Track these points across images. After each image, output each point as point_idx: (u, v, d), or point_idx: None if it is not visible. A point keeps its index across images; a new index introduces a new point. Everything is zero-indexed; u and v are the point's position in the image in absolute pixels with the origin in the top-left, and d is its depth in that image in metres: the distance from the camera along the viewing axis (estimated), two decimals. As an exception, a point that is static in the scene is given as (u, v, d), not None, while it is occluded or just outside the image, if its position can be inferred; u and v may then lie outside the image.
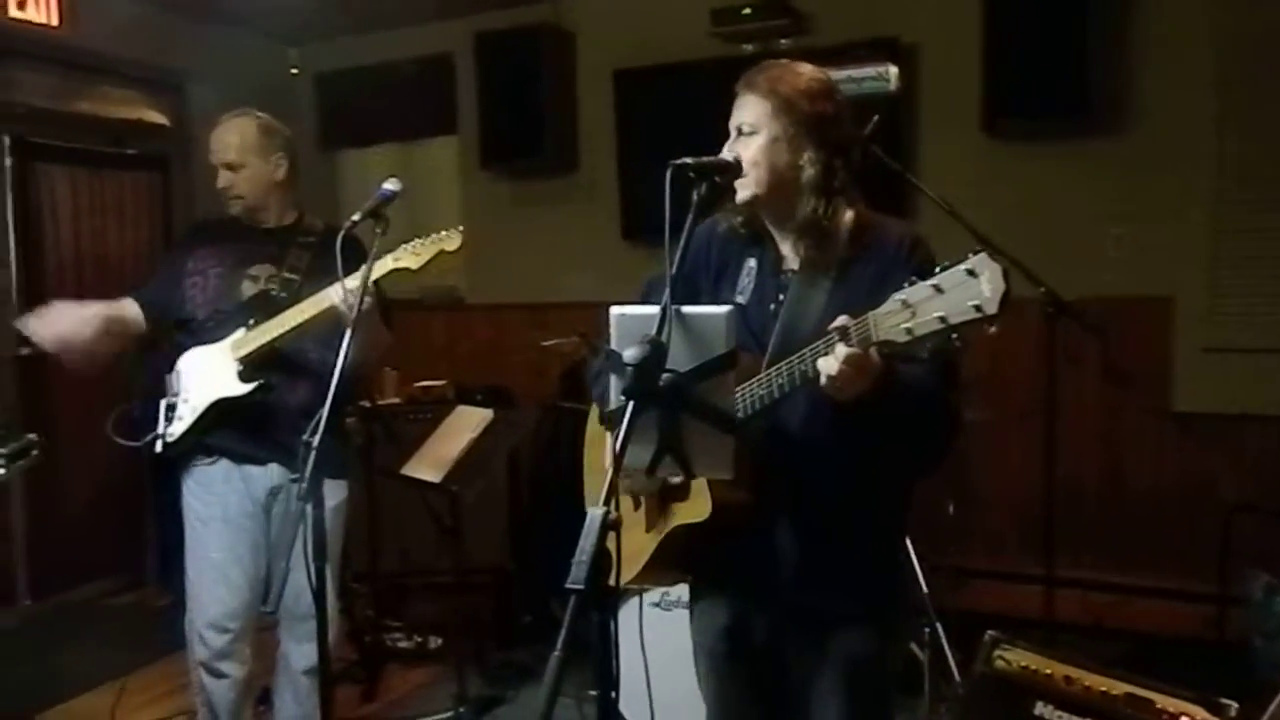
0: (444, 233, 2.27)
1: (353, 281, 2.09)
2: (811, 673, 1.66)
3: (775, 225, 1.68)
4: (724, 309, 1.48)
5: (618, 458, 1.32)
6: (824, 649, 1.65)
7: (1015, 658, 2.30)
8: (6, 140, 4.23)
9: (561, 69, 4.61)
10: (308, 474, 1.82)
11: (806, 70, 1.65)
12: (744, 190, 1.63)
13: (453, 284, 4.92)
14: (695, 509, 1.62)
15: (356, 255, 2.13)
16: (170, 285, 2.58)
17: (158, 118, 4.77)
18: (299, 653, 2.56)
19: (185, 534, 2.56)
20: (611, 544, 1.26)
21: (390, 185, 2.07)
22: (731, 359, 1.44)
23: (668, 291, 1.46)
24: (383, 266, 2.24)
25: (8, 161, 4.25)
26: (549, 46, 4.55)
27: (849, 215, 1.64)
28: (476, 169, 4.80)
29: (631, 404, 1.35)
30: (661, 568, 1.69)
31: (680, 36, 4.28)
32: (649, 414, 1.40)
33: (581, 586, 1.21)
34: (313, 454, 1.83)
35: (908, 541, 2.67)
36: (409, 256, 2.26)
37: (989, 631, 2.47)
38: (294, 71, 5.10)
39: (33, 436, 2.44)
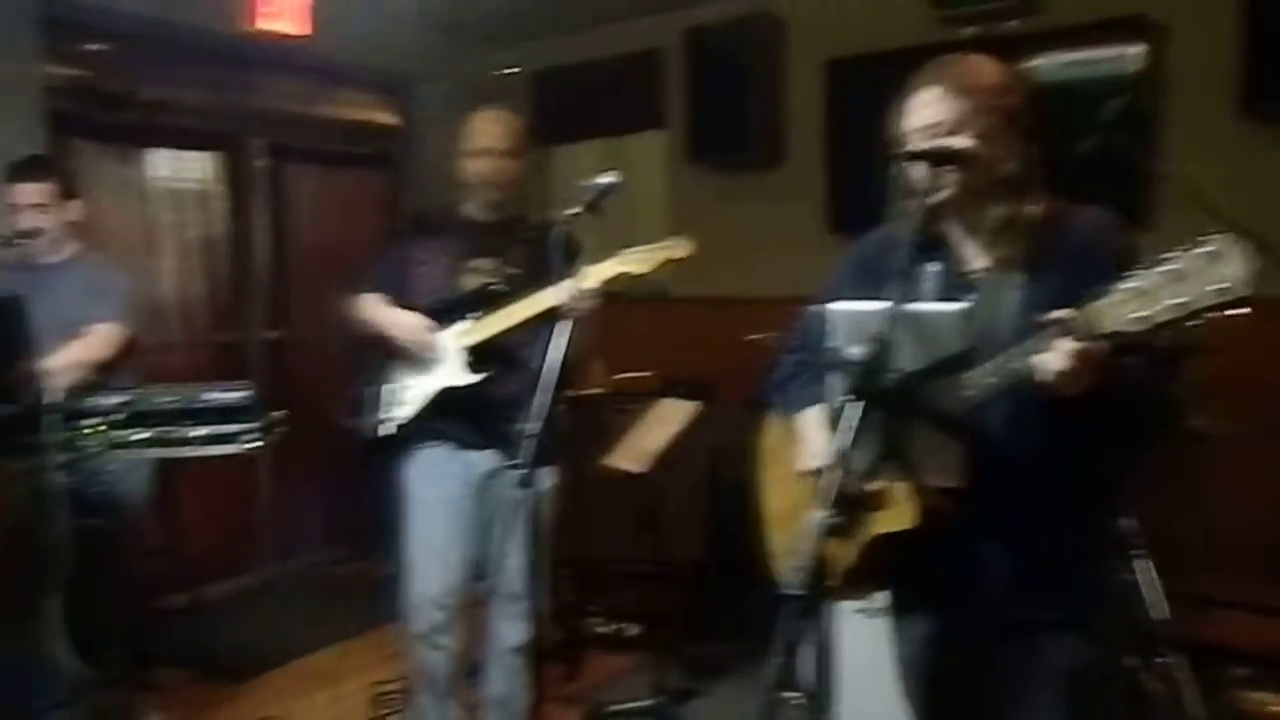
0: (672, 240, 2.27)
1: (576, 281, 2.12)
2: (1025, 687, 1.59)
3: (962, 225, 1.61)
4: (960, 305, 1.40)
5: (843, 461, 1.27)
6: (1036, 662, 1.58)
7: (1268, 700, 2.07)
8: (261, 142, 4.62)
9: (772, 59, 4.54)
10: (527, 461, 1.88)
11: (990, 62, 1.60)
12: (939, 192, 1.54)
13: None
14: (899, 517, 1.55)
15: (573, 251, 2.16)
16: (398, 272, 2.68)
17: (389, 119, 5.08)
18: (509, 631, 2.63)
19: (406, 513, 2.68)
20: (825, 551, 1.22)
21: (607, 177, 2.10)
22: (967, 359, 1.37)
23: (896, 287, 1.40)
24: (608, 270, 2.27)
25: (264, 163, 4.64)
26: (760, 37, 4.49)
27: (1038, 208, 1.57)
28: (683, 162, 4.80)
29: (857, 405, 1.30)
30: (859, 579, 1.64)
31: (897, 21, 4.11)
32: (872, 416, 1.35)
33: (801, 592, 1.17)
34: (532, 442, 1.88)
35: (1149, 564, 2.47)
36: (635, 261, 2.28)
37: (1237, 669, 2.24)
38: (511, 71, 5.28)
39: (279, 413, 2.66)
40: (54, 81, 3.70)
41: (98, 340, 2.85)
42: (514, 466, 1.94)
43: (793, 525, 1.75)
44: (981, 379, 1.45)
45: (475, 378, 2.52)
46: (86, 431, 2.36)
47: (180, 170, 4.39)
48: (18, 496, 2.66)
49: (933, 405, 1.40)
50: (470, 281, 2.60)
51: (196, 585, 3.68)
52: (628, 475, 3.12)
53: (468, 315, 2.55)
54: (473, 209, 2.67)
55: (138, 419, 2.39)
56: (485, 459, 2.62)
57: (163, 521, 3.37)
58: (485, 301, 2.54)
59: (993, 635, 1.59)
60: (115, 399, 2.42)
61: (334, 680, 3.34)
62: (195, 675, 3.53)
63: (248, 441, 2.41)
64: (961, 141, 1.54)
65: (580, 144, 5.35)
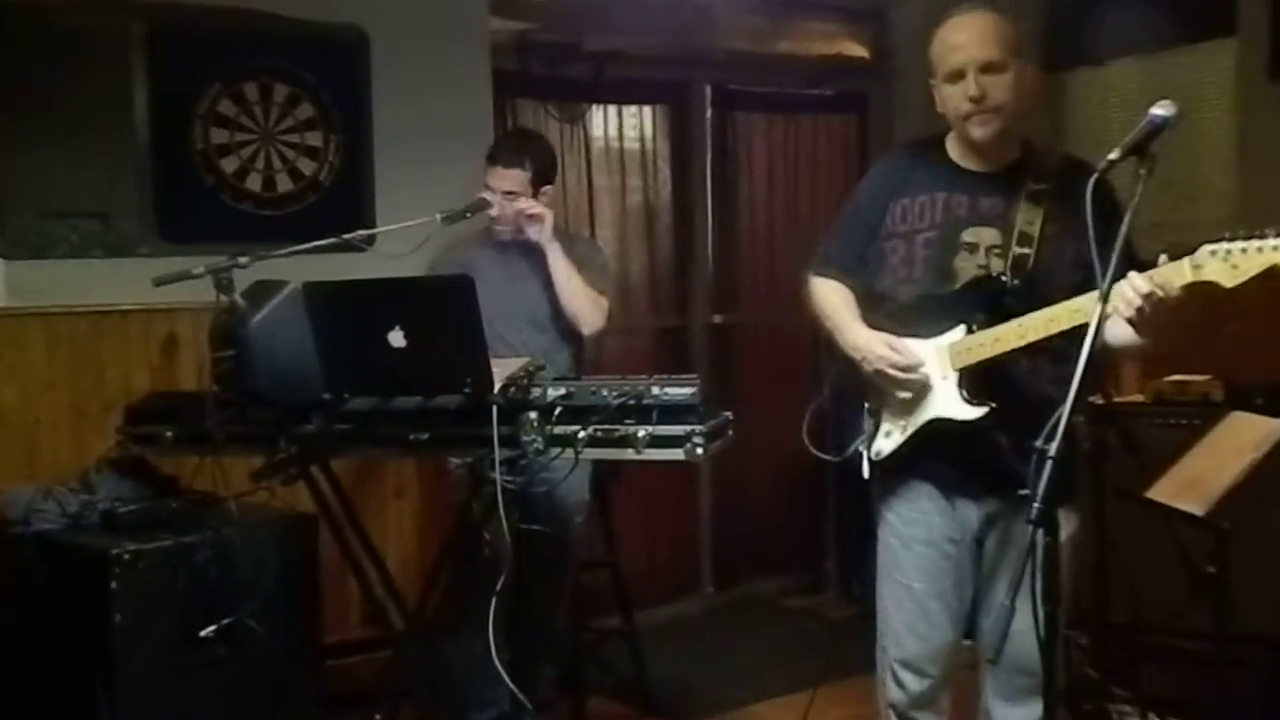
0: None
1: (1127, 287, 2.00)
2: None
3: None
4: None
5: None
6: None
7: None
8: (708, 89, 4.90)
9: None
10: (1043, 494, 1.77)
11: None
12: None
13: (1224, 239, 4.49)
14: None
15: (1108, 212, 1.98)
16: (859, 242, 2.60)
17: (857, 50, 5.14)
18: (1012, 715, 2.54)
19: (879, 550, 2.65)
20: None
21: (1161, 110, 1.91)
22: None
23: None
24: (1176, 275, 2.06)
25: (708, 113, 4.92)
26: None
27: None
28: (1263, 81, 4.31)
29: None
30: None
31: None
32: None
33: None
34: (1050, 468, 1.76)
35: None
36: (1220, 266, 2.00)
37: None
38: (1014, -25, 5.08)
39: (728, 414, 2.67)
40: (497, 37, 4.20)
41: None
42: (1024, 499, 1.81)
43: None
44: None
45: (974, 413, 2.40)
46: (527, 426, 2.53)
47: (621, 127, 4.80)
48: (462, 492, 3.08)
49: None
50: (965, 266, 2.46)
51: (630, 607, 3.97)
52: (1179, 516, 2.86)
53: (964, 319, 2.42)
54: (960, 155, 2.51)
55: (577, 414, 2.52)
56: (983, 497, 2.53)
57: (597, 533, 3.70)
58: (988, 303, 2.40)
59: None
60: (555, 391, 2.60)
61: (786, 738, 3.44)
62: (630, 711, 3.85)
63: (694, 447, 2.44)
64: None
65: (1109, 65, 5.01)
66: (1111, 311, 2.03)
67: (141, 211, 3.56)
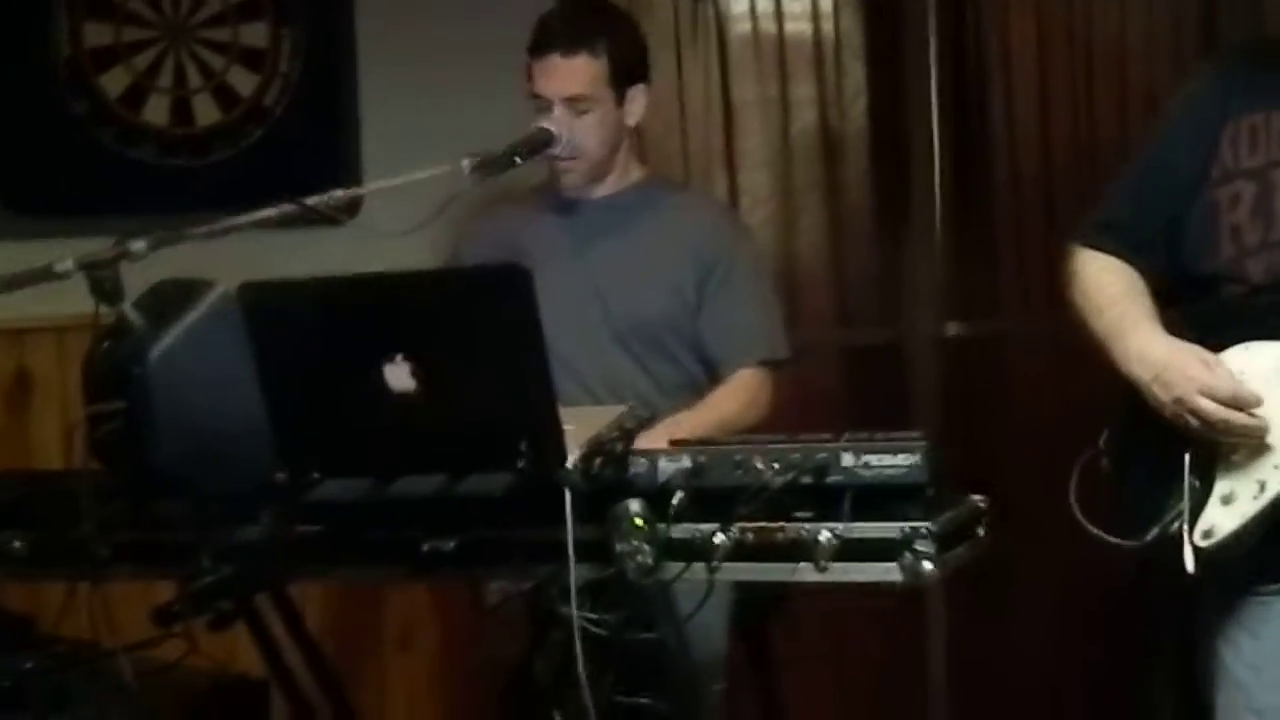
0: None
1: None
2: None
3: None
4: None
5: None
6: None
7: None
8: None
9: None
10: None
11: None
12: None
13: None
14: None
15: None
16: (1162, 201, 2.78)
17: None
18: None
19: (1218, 715, 2.81)
20: None
21: None
22: None
23: None
24: None
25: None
26: None
27: None
28: None
29: None
30: None
31: None
32: None
33: None
34: None
35: None
36: None
37: None
38: None
39: (979, 500, 2.65)
40: None
41: (728, 404, 3.38)
42: None
43: None
44: None
45: None
46: (627, 525, 2.49)
47: (778, 4, 4.77)
48: (514, 640, 3.07)
49: None
50: None
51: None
52: None
53: None
54: None
55: (713, 503, 2.49)
56: None
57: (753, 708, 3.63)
58: None
59: None
60: (673, 463, 2.57)
61: None
62: None
63: (920, 559, 2.37)
64: None
65: None
66: None
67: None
